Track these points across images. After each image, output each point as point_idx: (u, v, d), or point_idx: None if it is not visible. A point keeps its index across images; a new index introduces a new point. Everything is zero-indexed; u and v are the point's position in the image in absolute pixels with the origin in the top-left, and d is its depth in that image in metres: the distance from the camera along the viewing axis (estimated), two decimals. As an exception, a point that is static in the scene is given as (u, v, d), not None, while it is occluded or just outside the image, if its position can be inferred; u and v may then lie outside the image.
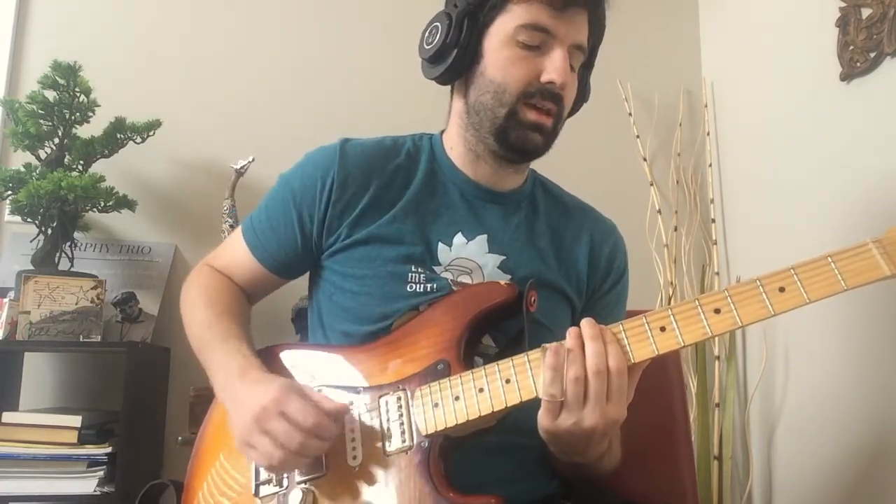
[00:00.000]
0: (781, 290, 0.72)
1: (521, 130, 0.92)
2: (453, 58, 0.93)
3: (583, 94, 1.02)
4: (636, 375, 0.77)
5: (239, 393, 0.84)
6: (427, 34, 0.97)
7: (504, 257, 0.96)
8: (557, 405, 0.74)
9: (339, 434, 0.82)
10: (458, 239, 0.96)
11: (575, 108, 1.02)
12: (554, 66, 0.89)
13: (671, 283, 1.99)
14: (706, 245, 2.06)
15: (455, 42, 0.92)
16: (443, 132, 1.05)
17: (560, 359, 0.74)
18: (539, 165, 1.04)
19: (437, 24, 0.95)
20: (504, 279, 0.94)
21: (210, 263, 1.08)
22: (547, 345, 0.76)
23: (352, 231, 0.96)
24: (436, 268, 0.94)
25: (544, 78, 0.90)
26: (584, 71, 1.01)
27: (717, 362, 1.89)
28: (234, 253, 1.04)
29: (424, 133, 1.07)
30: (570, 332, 0.76)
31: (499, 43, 0.92)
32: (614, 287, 1.04)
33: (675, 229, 2.07)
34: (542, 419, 0.76)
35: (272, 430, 0.78)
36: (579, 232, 1.03)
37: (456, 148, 1.01)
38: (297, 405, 0.79)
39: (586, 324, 0.76)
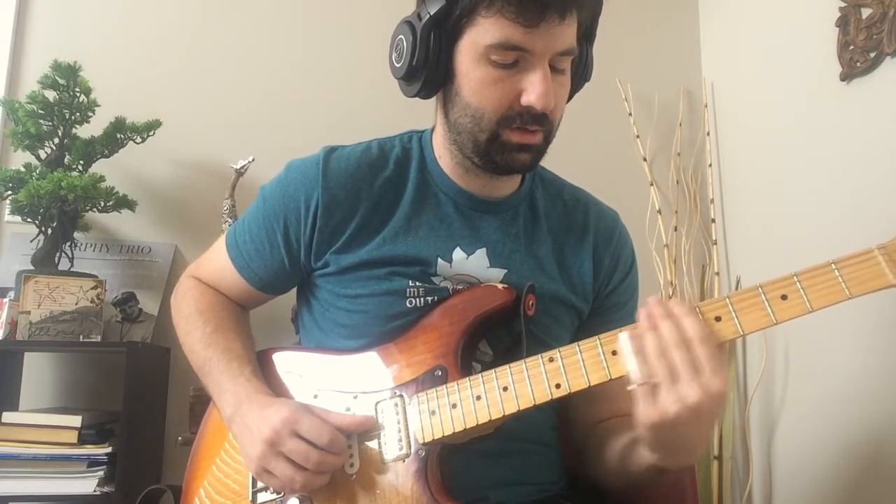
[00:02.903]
0: (784, 297, 0.69)
1: (507, 153, 0.85)
2: (424, 78, 0.86)
3: (584, 74, 0.93)
4: None
5: (247, 419, 0.82)
6: (394, 51, 0.89)
7: (506, 271, 0.91)
8: (651, 388, 0.69)
9: None
10: (458, 254, 0.91)
11: (576, 90, 0.94)
12: (534, 89, 0.80)
13: (671, 283, 1.99)
14: (706, 245, 2.06)
15: (423, 60, 0.84)
16: (433, 129, 0.98)
17: (639, 342, 0.70)
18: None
19: (402, 37, 0.87)
20: None
21: (196, 276, 1.05)
22: (621, 333, 0.73)
23: (340, 258, 0.91)
24: (434, 278, 0.90)
25: (524, 101, 0.81)
26: (585, 45, 0.90)
27: (716, 362, 1.89)
28: (222, 270, 1.01)
29: (414, 132, 1.01)
30: (641, 315, 0.72)
31: (470, 61, 0.83)
32: (623, 282, 1.01)
33: (675, 229, 2.07)
34: (644, 412, 0.69)
35: (288, 452, 0.78)
36: (582, 234, 0.99)
37: (444, 158, 0.95)
38: (310, 423, 0.79)
39: (654, 303, 0.72)
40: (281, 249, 0.94)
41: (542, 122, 0.84)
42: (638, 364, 0.70)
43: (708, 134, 2.12)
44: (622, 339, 0.72)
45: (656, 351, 0.69)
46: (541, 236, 0.97)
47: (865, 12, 1.56)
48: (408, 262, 0.90)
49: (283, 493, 0.82)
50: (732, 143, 2.05)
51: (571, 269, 0.97)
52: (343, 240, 0.91)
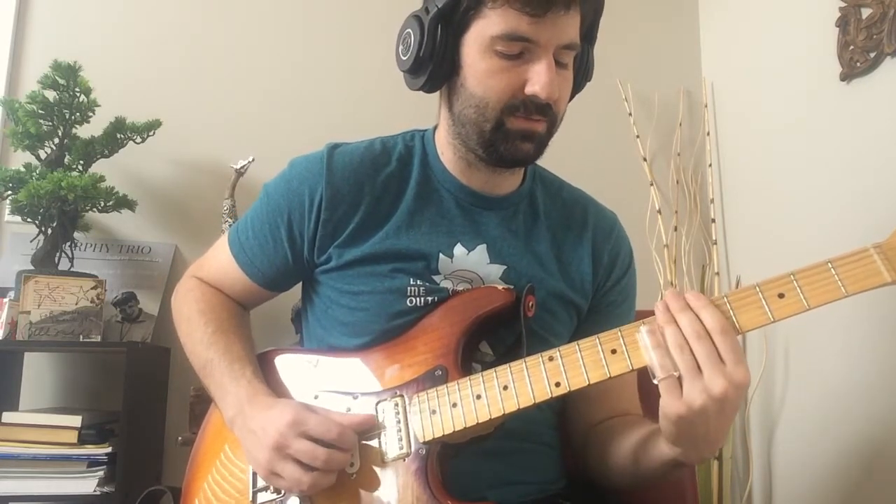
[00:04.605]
0: (781, 296, 0.70)
1: (511, 142, 0.86)
2: (430, 70, 0.87)
3: (585, 73, 0.94)
4: None
5: (251, 423, 0.82)
6: (401, 44, 0.90)
7: (505, 267, 0.92)
8: (676, 381, 0.69)
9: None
10: (459, 250, 0.92)
11: (578, 89, 0.95)
12: (538, 79, 0.82)
13: (671, 283, 1.99)
14: (706, 245, 2.06)
15: (430, 53, 0.85)
16: (436, 127, 0.99)
17: (658, 336, 0.71)
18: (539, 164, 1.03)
19: (409, 31, 0.88)
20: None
21: (198, 276, 1.05)
22: (640, 326, 0.73)
23: (344, 252, 0.92)
24: (435, 277, 0.90)
25: (528, 90, 0.83)
26: (586, 45, 0.92)
27: (716, 362, 1.89)
28: (224, 268, 1.01)
29: (416, 131, 1.01)
30: (658, 308, 0.73)
31: (476, 53, 0.84)
32: (620, 281, 1.01)
33: (675, 229, 2.07)
34: (669, 405, 0.70)
35: (296, 453, 0.78)
36: (580, 231, 1.00)
37: (446, 153, 0.96)
38: (316, 421, 0.79)
39: (671, 297, 0.73)
40: (284, 244, 0.95)
41: (546, 113, 0.85)
42: (659, 358, 0.70)
43: (708, 134, 2.12)
44: (641, 334, 0.73)
45: (677, 344, 0.70)
46: (540, 233, 0.97)
47: (865, 12, 1.56)
48: (410, 257, 0.90)
49: (283, 493, 0.82)
50: (732, 143, 2.05)
51: (570, 266, 0.97)
52: (346, 234, 0.92)
